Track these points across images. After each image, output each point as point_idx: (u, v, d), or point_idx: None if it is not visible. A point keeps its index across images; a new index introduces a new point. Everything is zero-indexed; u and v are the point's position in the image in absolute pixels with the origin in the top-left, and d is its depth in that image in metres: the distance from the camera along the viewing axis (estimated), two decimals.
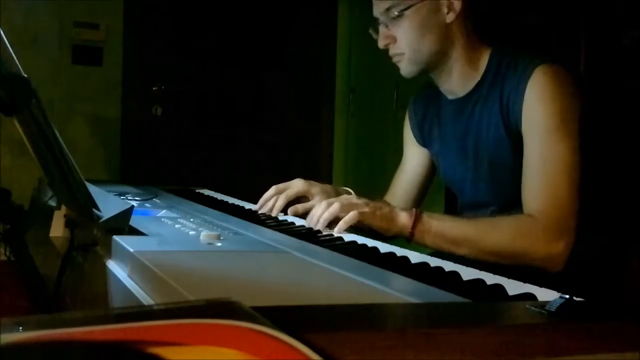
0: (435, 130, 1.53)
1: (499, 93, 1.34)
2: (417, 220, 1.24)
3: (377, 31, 1.42)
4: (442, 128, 1.51)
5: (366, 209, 1.21)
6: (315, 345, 0.38)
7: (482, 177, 1.42)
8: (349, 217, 1.18)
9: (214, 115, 4.06)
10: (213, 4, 3.98)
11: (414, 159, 1.64)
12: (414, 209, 1.26)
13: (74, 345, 0.37)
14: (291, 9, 4.12)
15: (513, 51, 1.38)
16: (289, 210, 1.34)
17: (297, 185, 1.41)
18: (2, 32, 0.88)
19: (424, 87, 1.59)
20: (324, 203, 1.23)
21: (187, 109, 4.02)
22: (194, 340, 0.38)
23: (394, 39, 1.39)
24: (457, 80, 1.42)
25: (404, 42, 1.38)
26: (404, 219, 1.24)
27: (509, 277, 0.81)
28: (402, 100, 3.64)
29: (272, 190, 1.42)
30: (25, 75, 0.86)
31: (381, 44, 1.41)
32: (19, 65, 0.88)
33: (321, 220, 1.20)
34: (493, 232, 1.27)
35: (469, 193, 1.47)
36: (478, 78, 1.40)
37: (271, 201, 1.41)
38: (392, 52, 1.41)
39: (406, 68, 1.42)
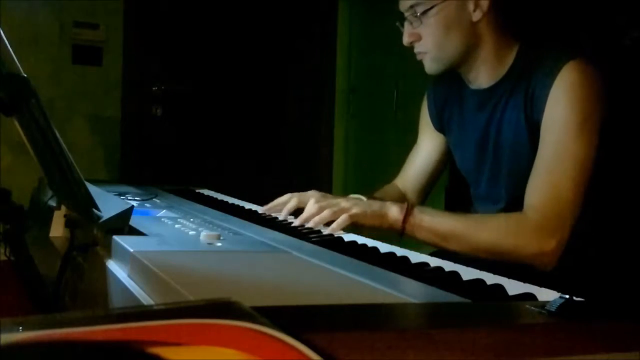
0: (455, 118, 1.51)
1: (525, 86, 1.32)
2: (408, 214, 1.24)
3: (402, 24, 1.40)
4: (463, 117, 1.48)
5: (357, 210, 1.22)
6: (315, 345, 0.38)
7: (499, 172, 1.41)
8: (341, 220, 1.19)
9: (214, 115, 4.06)
10: (213, 4, 3.98)
11: (429, 143, 1.62)
12: (406, 203, 1.26)
13: (74, 345, 0.37)
14: (291, 9, 4.12)
15: (542, 45, 1.37)
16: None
17: (312, 195, 1.36)
18: (2, 32, 0.88)
19: (445, 72, 1.54)
20: (316, 205, 1.23)
21: (187, 109, 4.02)
22: (194, 340, 0.38)
23: (419, 37, 1.37)
24: (483, 74, 1.40)
25: (428, 41, 1.36)
26: (395, 213, 1.24)
27: (509, 277, 0.81)
28: (402, 101, 3.64)
29: (287, 196, 1.39)
30: (25, 75, 0.86)
31: (406, 41, 1.39)
32: (19, 65, 0.88)
33: (311, 224, 1.21)
34: (483, 229, 1.27)
35: (484, 186, 1.46)
36: (505, 71, 1.38)
37: (281, 207, 1.37)
38: (416, 49, 1.39)
39: (430, 66, 1.40)
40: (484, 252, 1.24)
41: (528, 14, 2.43)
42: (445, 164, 1.65)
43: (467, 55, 1.38)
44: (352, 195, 1.49)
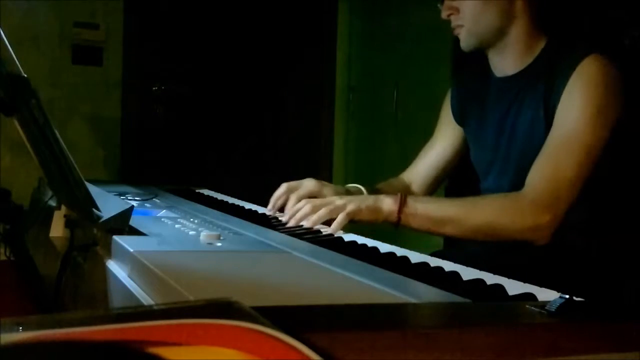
0: (476, 108, 1.52)
1: (546, 76, 1.35)
2: (402, 204, 1.25)
3: (442, 2, 1.43)
4: (484, 106, 1.50)
5: (352, 207, 1.22)
6: (315, 345, 0.38)
7: (511, 163, 1.41)
8: (341, 219, 1.19)
9: (214, 115, 4.06)
10: (212, 4, 3.98)
11: (446, 138, 1.62)
12: (399, 194, 1.27)
13: (74, 345, 0.37)
14: (291, 8, 4.12)
15: (569, 40, 1.40)
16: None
17: (308, 185, 1.38)
18: (2, 32, 0.89)
19: (471, 63, 1.57)
20: (309, 205, 1.23)
21: (187, 109, 4.02)
22: (194, 340, 0.38)
23: (457, 10, 1.41)
24: (510, 59, 1.43)
25: (466, 14, 1.40)
26: (389, 205, 1.25)
27: (509, 277, 0.81)
28: (402, 100, 3.64)
29: (283, 188, 1.39)
30: (25, 75, 0.87)
31: (444, 14, 1.43)
32: (19, 65, 0.88)
33: (308, 223, 1.20)
34: (477, 209, 1.28)
35: (494, 178, 1.46)
36: (530, 61, 1.41)
37: (281, 200, 1.38)
38: (453, 23, 1.43)
39: (465, 40, 1.43)
40: (481, 232, 1.25)
41: (560, 9, 2.42)
42: (457, 164, 1.65)
43: (499, 34, 1.41)
44: (350, 185, 1.50)
